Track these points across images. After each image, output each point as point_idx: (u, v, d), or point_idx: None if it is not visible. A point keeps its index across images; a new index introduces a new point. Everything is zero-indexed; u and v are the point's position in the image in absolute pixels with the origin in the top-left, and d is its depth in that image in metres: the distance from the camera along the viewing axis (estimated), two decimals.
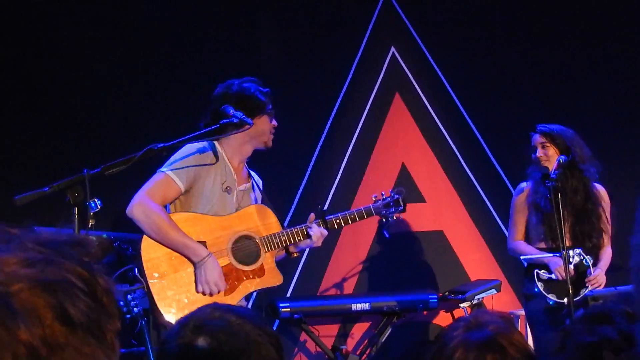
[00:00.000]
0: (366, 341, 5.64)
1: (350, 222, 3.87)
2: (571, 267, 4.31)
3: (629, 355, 1.33)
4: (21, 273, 0.79)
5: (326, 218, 3.82)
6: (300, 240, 3.76)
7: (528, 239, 4.71)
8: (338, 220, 3.84)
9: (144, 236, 3.58)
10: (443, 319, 5.73)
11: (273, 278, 3.76)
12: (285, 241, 3.74)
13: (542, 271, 4.53)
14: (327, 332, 5.64)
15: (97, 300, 0.83)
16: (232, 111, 3.64)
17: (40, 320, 0.78)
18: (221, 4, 5.77)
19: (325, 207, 3.91)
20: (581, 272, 4.47)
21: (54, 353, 0.78)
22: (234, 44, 5.72)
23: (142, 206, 3.56)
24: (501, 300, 5.59)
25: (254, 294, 3.95)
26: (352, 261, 5.83)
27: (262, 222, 3.76)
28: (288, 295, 5.62)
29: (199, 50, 5.68)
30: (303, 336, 5.55)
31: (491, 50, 6.07)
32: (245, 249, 3.70)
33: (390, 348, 5.52)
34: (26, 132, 5.35)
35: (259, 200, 3.88)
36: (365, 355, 5.39)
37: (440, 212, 5.97)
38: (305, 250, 4.12)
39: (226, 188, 3.71)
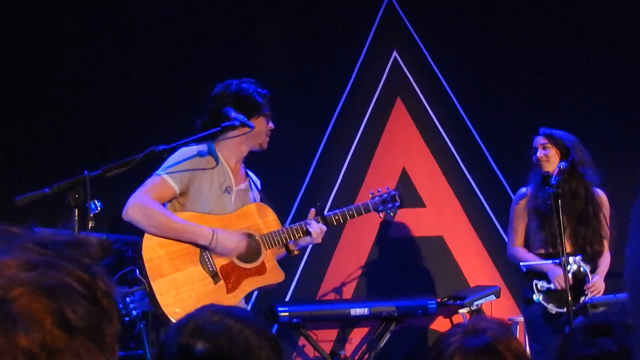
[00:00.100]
0: (365, 346, 5.64)
1: (348, 218, 3.89)
2: (569, 275, 4.31)
3: None
4: (21, 277, 0.79)
5: (325, 215, 3.83)
6: (300, 237, 3.77)
7: (528, 245, 4.71)
8: (337, 217, 3.86)
9: (145, 236, 3.57)
10: (442, 324, 5.72)
11: (275, 275, 3.77)
12: (285, 238, 3.74)
13: (541, 282, 4.52)
14: (326, 337, 5.63)
15: (97, 304, 0.83)
16: (233, 114, 3.65)
17: (40, 326, 0.77)
18: (221, 6, 5.77)
19: (326, 210, 3.91)
20: (579, 279, 4.46)
21: (52, 359, 0.77)
22: (234, 46, 5.73)
23: (138, 205, 3.56)
24: (500, 307, 5.58)
25: (254, 296, 3.95)
26: (352, 266, 5.83)
27: (262, 220, 3.77)
28: (287, 299, 5.61)
29: (199, 51, 5.68)
30: (302, 341, 5.55)
31: (493, 55, 6.07)
32: (246, 247, 3.71)
33: (389, 353, 5.51)
34: (27, 134, 5.35)
35: (258, 200, 3.89)
36: None
37: (440, 217, 5.97)
38: (305, 248, 4.14)
39: (226, 188, 3.73)
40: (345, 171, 5.89)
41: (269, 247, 3.73)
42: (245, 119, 3.64)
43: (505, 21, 6.08)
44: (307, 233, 3.77)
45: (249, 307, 4.12)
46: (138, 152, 3.35)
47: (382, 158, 5.94)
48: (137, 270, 3.59)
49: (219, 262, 3.65)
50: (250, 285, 3.71)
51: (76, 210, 3.07)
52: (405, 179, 5.84)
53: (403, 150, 5.98)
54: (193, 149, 3.68)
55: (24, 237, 0.84)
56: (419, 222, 5.91)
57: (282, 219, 3.89)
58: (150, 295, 3.54)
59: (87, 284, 0.82)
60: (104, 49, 5.49)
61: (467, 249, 5.96)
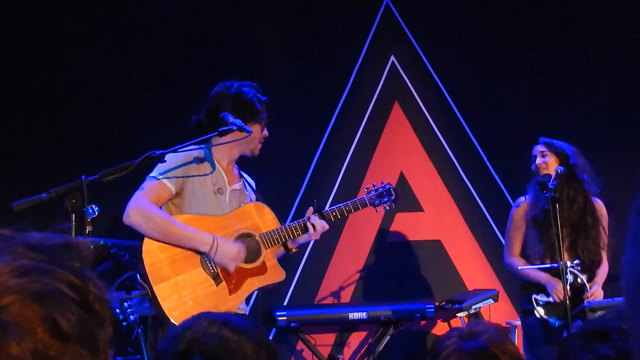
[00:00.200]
0: (363, 350, 5.64)
1: (346, 214, 3.90)
2: (567, 286, 4.28)
3: None
4: (12, 284, 0.78)
5: (323, 211, 3.84)
6: (299, 234, 3.78)
7: (525, 256, 4.68)
8: (334, 213, 3.87)
9: (145, 241, 3.57)
10: (440, 328, 5.72)
11: (275, 274, 3.77)
12: (284, 237, 3.75)
13: (540, 295, 4.51)
14: (324, 341, 5.63)
15: (89, 309, 0.82)
16: (231, 119, 3.65)
17: (32, 333, 0.77)
18: (221, 6, 5.77)
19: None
20: (578, 289, 4.45)
21: None
22: (234, 46, 5.73)
23: (138, 210, 3.56)
24: (498, 310, 5.58)
25: (253, 299, 3.95)
26: (350, 270, 5.83)
27: (261, 219, 3.78)
28: (285, 303, 5.61)
29: (199, 51, 5.67)
30: (300, 345, 5.54)
31: (491, 60, 6.08)
32: (246, 247, 3.71)
33: (387, 357, 5.50)
34: (24, 139, 5.35)
35: (254, 200, 3.90)
36: None
37: (438, 221, 5.97)
38: (304, 245, 4.14)
39: (217, 189, 3.73)
40: (343, 175, 5.89)
41: (269, 246, 3.73)
42: (243, 124, 3.64)
43: (502, 25, 6.09)
44: (306, 230, 3.77)
45: (248, 309, 4.11)
46: (137, 152, 3.36)
47: (380, 162, 5.95)
48: (138, 275, 3.58)
49: None
50: (252, 285, 3.71)
51: (73, 215, 3.07)
52: (403, 183, 5.85)
53: (401, 154, 5.99)
54: (187, 152, 3.68)
55: (15, 241, 0.83)
56: (416, 226, 5.91)
57: (281, 221, 3.90)
58: (153, 299, 3.53)
59: (79, 289, 0.81)
60: (104, 49, 5.49)
61: (465, 252, 5.96)
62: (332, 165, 5.89)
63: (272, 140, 3.91)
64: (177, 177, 3.64)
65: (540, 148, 4.60)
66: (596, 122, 5.92)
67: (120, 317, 3.97)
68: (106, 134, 5.45)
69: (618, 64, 6.06)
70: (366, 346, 5.64)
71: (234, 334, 1.50)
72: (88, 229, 3.09)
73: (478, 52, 6.07)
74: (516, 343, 4.86)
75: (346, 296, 5.80)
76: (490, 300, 5.38)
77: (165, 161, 3.56)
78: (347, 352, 5.72)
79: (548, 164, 4.53)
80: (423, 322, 5.73)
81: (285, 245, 3.84)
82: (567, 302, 4.16)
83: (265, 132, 3.84)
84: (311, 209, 3.85)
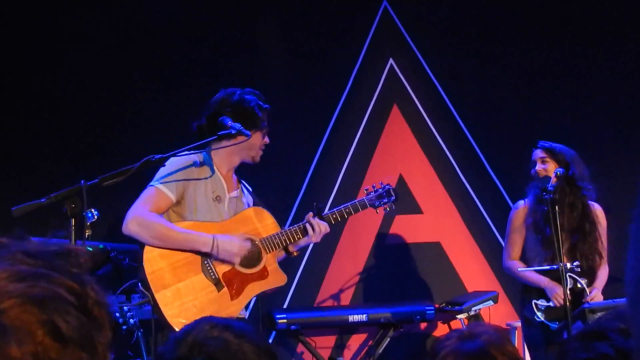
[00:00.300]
0: (363, 353, 5.64)
1: (346, 216, 3.90)
2: (567, 291, 4.28)
3: None
4: (11, 288, 0.79)
5: (322, 214, 3.84)
6: (299, 238, 3.78)
7: (525, 260, 4.68)
8: (334, 215, 3.87)
9: (145, 249, 3.56)
10: (440, 330, 5.72)
11: (277, 279, 3.77)
12: (285, 241, 3.75)
13: (540, 300, 4.52)
14: (324, 344, 5.63)
15: (88, 313, 0.83)
16: (230, 123, 3.65)
17: (32, 336, 0.78)
18: (221, 6, 5.77)
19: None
20: (577, 293, 4.46)
21: None
22: (234, 46, 5.73)
23: (135, 219, 3.55)
24: (498, 312, 5.59)
25: (252, 302, 3.95)
26: (349, 272, 5.83)
27: (261, 223, 3.78)
28: (285, 306, 5.62)
29: (199, 51, 5.67)
30: (300, 347, 5.55)
31: (490, 62, 6.08)
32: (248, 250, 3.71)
33: (387, 359, 5.51)
34: (23, 143, 5.35)
35: (252, 204, 3.90)
36: None
37: (438, 223, 5.97)
38: (304, 248, 4.14)
39: (216, 197, 3.73)
40: (342, 178, 5.89)
41: (270, 251, 3.73)
42: (242, 128, 3.64)
43: (501, 28, 6.09)
44: (306, 234, 3.77)
45: (247, 314, 4.11)
46: (137, 152, 3.37)
47: (379, 164, 5.95)
48: (140, 283, 3.58)
49: (221, 269, 3.65)
50: (253, 290, 3.71)
51: (73, 219, 3.07)
52: (402, 186, 5.85)
53: (400, 156, 5.99)
54: (187, 157, 3.68)
55: (13, 248, 0.84)
56: (416, 229, 5.91)
57: (281, 223, 3.90)
58: (155, 307, 3.52)
59: (78, 294, 0.82)
60: (104, 49, 5.49)
61: (465, 254, 5.96)
62: (331, 167, 5.89)
63: (272, 142, 3.91)
64: (177, 185, 3.63)
65: (540, 154, 4.60)
66: (596, 123, 5.92)
67: (120, 320, 3.97)
68: (106, 133, 5.45)
69: (618, 64, 6.06)
70: (366, 348, 5.65)
71: (235, 338, 1.50)
72: (87, 233, 3.09)
73: (476, 54, 6.07)
74: (516, 345, 4.87)
75: (346, 298, 5.80)
76: (490, 302, 5.38)
77: (165, 166, 3.56)
78: (347, 354, 5.72)
79: (548, 170, 4.53)
80: (423, 324, 5.73)
81: (286, 248, 3.84)
82: (568, 305, 4.17)
83: (267, 139, 3.84)
84: (311, 213, 3.85)
